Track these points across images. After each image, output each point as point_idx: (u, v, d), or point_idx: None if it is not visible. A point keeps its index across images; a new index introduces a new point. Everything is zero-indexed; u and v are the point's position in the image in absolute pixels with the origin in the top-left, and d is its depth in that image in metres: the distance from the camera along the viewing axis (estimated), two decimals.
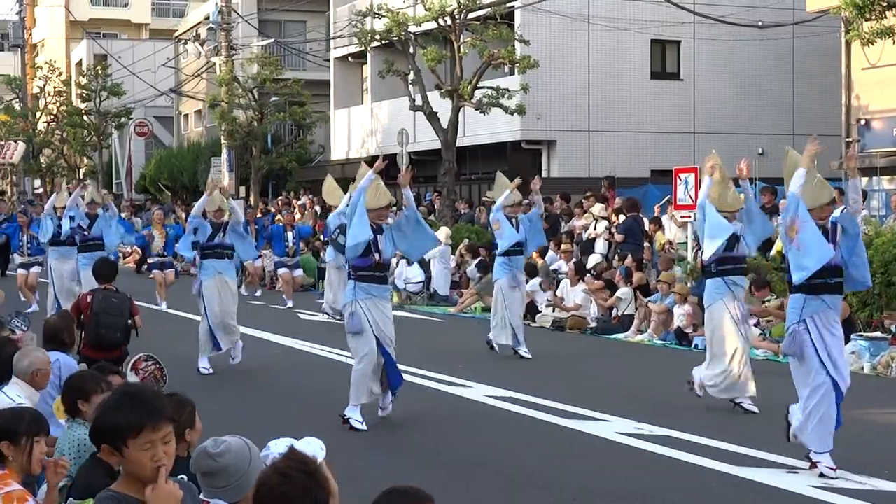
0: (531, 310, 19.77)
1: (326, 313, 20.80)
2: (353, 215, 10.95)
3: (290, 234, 25.61)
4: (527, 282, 17.91)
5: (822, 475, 8.80)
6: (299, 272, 25.39)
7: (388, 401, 11.37)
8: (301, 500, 3.53)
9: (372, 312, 11.03)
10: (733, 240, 11.49)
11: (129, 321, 11.62)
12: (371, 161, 12.99)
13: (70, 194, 19.96)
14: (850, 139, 27.35)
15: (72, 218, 19.08)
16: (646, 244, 21.92)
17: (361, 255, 10.99)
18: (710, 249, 11.32)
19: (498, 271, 16.29)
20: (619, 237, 22.24)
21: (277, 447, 4.25)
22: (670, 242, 22.27)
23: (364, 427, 10.87)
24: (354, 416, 10.98)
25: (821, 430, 8.88)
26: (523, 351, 15.92)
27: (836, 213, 9.27)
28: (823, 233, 8.90)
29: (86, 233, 19.02)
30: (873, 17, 19.04)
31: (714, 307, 11.75)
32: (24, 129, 56.68)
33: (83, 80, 54.59)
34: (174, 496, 3.52)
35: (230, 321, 14.72)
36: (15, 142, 54.84)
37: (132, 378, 7.59)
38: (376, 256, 11.06)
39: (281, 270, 25.30)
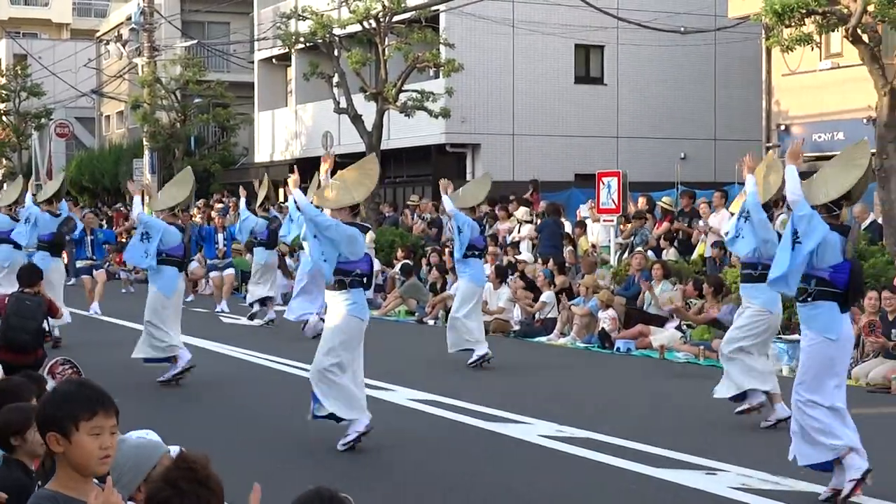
0: None
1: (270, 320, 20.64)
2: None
3: (220, 237, 25.32)
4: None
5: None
6: (230, 271, 25.07)
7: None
8: None
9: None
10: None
11: (44, 326, 11.47)
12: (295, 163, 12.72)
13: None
14: (771, 144, 27.73)
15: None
16: (569, 248, 22.05)
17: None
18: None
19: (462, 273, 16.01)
20: (532, 235, 22.64)
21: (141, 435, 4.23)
22: (594, 246, 22.43)
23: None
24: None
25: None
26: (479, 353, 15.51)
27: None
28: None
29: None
30: (792, 24, 19.26)
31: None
32: None
33: (2, 80, 53.71)
34: None
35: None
36: None
37: (50, 382, 7.46)
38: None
39: (212, 274, 25.04)
